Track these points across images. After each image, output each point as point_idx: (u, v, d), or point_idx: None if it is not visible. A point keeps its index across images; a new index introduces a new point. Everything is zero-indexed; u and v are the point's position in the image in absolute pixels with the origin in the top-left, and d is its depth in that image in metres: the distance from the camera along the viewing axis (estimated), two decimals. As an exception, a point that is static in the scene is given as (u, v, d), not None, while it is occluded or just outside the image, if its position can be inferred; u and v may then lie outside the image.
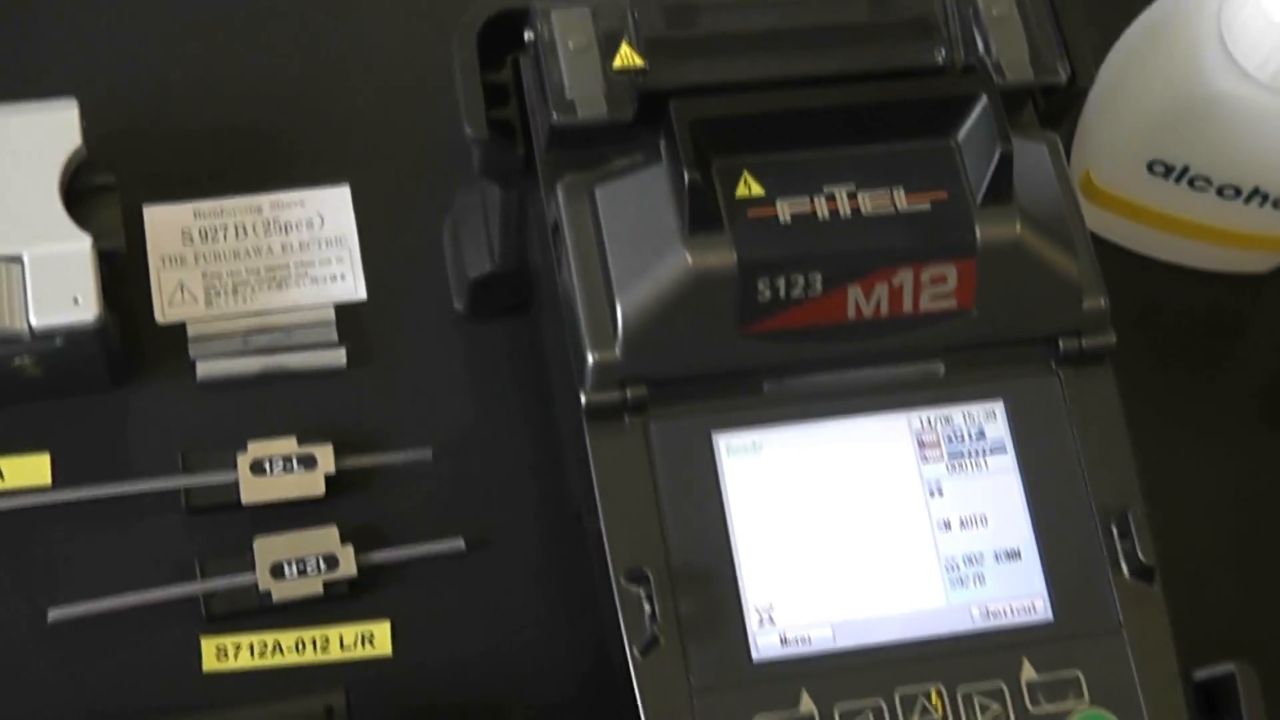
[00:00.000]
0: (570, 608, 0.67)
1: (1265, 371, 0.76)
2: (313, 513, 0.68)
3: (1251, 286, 0.77)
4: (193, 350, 0.71)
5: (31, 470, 0.68)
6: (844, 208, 0.58)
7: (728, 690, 0.57)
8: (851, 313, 0.58)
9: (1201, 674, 0.59)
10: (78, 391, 0.69)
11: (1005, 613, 0.59)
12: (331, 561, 0.67)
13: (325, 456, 0.68)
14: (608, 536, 0.58)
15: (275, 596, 0.66)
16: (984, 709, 0.57)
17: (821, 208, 0.58)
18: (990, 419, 0.61)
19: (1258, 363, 0.76)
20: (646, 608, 0.56)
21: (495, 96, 0.62)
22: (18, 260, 0.66)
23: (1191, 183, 0.71)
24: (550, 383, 0.67)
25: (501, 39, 0.62)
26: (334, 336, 0.72)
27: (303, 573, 0.67)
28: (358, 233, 0.74)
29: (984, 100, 0.58)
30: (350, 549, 0.67)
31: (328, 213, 0.74)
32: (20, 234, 0.66)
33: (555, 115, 0.59)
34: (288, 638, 0.66)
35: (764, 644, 0.57)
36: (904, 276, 0.58)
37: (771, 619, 0.58)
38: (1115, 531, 0.59)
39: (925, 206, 0.58)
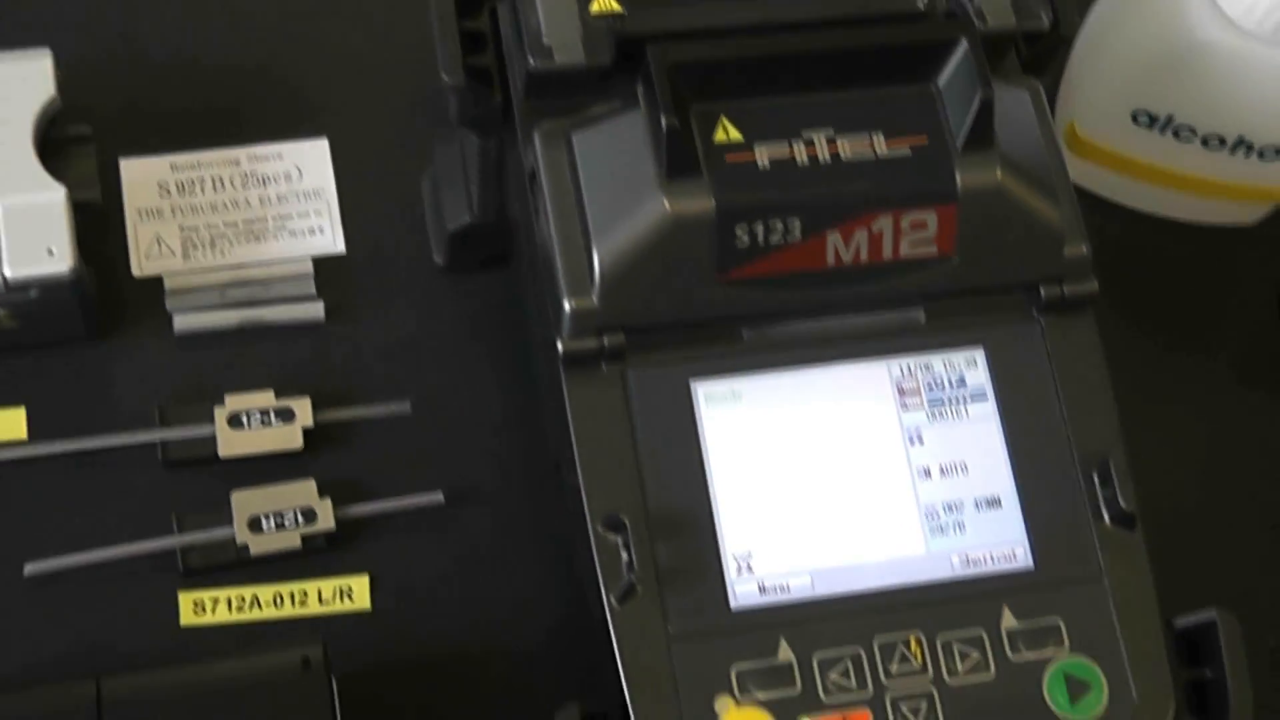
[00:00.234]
0: (550, 560, 0.67)
1: (1248, 323, 0.76)
2: (291, 466, 0.68)
3: (1237, 239, 0.77)
4: (170, 304, 0.70)
5: (7, 424, 0.68)
6: (823, 153, 0.57)
7: (705, 639, 0.56)
8: (831, 259, 0.58)
9: (1182, 621, 0.59)
10: (54, 344, 0.69)
11: (985, 560, 0.58)
12: (309, 515, 0.66)
13: (303, 410, 0.68)
14: (585, 485, 0.57)
15: (253, 550, 0.66)
16: (964, 657, 0.57)
17: (800, 153, 0.57)
18: (971, 366, 0.60)
19: (1241, 314, 0.76)
20: (624, 556, 0.56)
21: (473, 44, 0.62)
22: (-9, 211, 0.65)
23: (1176, 133, 0.71)
24: (529, 334, 0.67)
25: (479, -14, 0.62)
26: (312, 290, 0.71)
27: (280, 526, 0.66)
28: (336, 186, 0.74)
29: (965, 45, 0.58)
30: (328, 502, 0.67)
31: (306, 165, 0.74)
32: (-6, 185, 0.66)
33: (532, 61, 0.58)
34: (265, 592, 0.66)
35: (742, 592, 0.57)
36: (884, 222, 0.57)
37: (750, 567, 0.57)
38: (1096, 479, 0.59)
39: (905, 152, 0.58)
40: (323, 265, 0.72)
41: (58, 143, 0.68)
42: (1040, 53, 0.64)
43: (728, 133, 0.57)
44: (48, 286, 0.65)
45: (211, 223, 0.72)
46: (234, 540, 0.66)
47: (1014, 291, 0.60)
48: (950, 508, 0.59)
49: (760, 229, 0.57)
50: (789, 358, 0.59)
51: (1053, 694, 0.57)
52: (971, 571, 0.58)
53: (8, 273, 0.64)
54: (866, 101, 0.58)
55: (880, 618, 0.57)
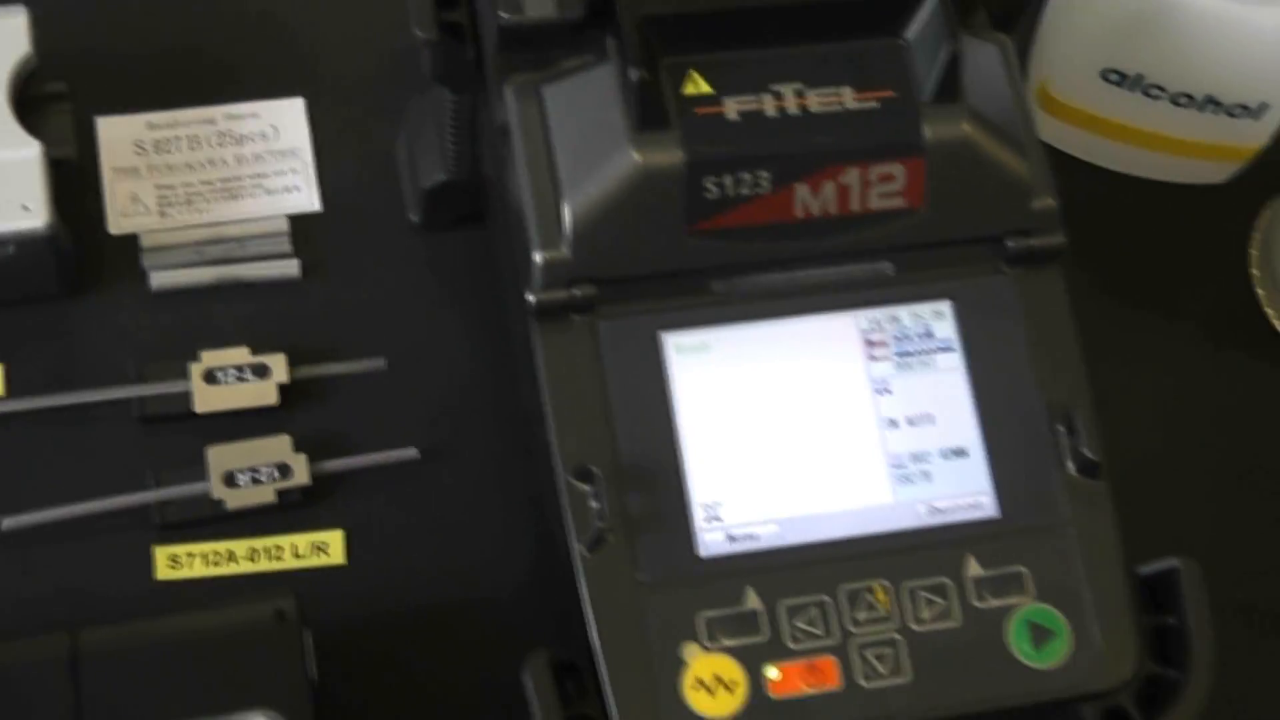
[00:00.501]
0: (522, 514, 0.67)
1: (1217, 279, 0.76)
2: (266, 422, 0.68)
3: (1207, 197, 0.77)
4: (146, 261, 0.71)
5: (-15, 380, 0.68)
6: (792, 106, 0.58)
7: (674, 587, 0.57)
8: (799, 211, 0.58)
9: (1146, 569, 0.60)
10: (30, 300, 0.69)
11: (951, 509, 0.59)
12: (285, 470, 0.67)
13: (278, 366, 0.68)
14: (555, 435, 0.58)
15: (229, 505, 0.66)
16: (929, 604, 0.58)
17: (769, 106, 0.57)
18: (938, 318, 0.61)
19: (1210, 271, 0.76)
20: (594, 505, 0.56)
21: (445, -1, 0.62)
22: (-34, 167, 0.65)
23: (1146, 91, 0.71)
24: (503, 290, 0.67)
25: (451, -60, 0.62)
26: (288, 247, 0.72)
27: (256, 481, 0.67)
28: (312, 144, 0.74)
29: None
30: (304, 458, 0.67)
31: (282, 124, 0.74)
32: (-32, 141, 0.66)
33: (504, 15, 0.59)
34: (241, 547, 0.66)
35: (710, 541, 0.58)
36: (852, 175, 0.58)
37: (718, 516, 0.58)
38: (1062, 429, 0.59)
39: (873, 105, 0.58)
40: (299, 223, 0.72)
41: (33, 100, 0.68)
42: (1009, 8, 0.64)
43: (697, 86, 0.58)
44: (23, 242, 0.66)
45: (188, 181, 0.72)
46: (209, 495, 0.66)
47: (982, 244, 0.61)
48: (916, 458, 0.59)
49: (729, 181, 0.57)
50: (758, 309, 0.60)
51: (1017, 641, 0.58)
52: (937, 520, 0.59)
53: (-17, 228, 0.65)
54: (835, 55, 0.59)
55: (846, 566, 0.58)
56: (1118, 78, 0.71)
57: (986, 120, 0.59)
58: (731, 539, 0.58)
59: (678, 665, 0.56)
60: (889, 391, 0.60)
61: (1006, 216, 0.60)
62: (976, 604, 0.58)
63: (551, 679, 0.56)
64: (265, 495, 0.66)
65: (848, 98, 0.58)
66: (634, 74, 0.56)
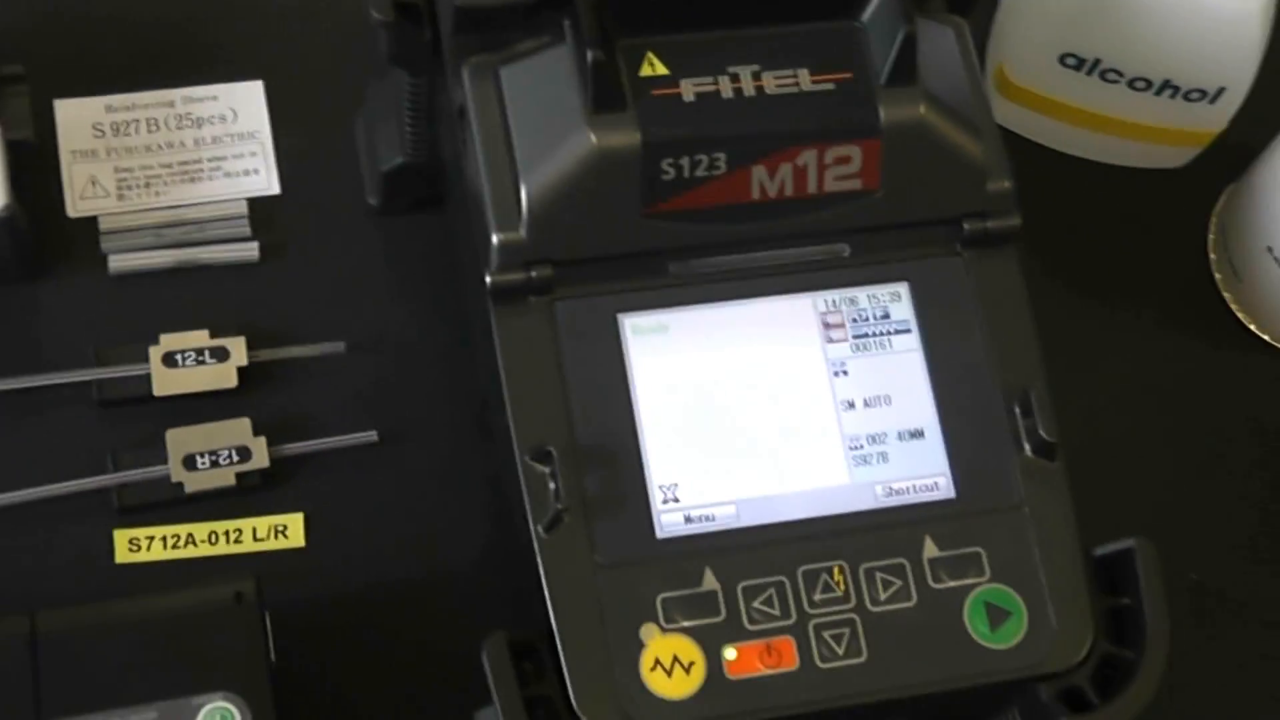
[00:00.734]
0: (481, 497, 0.67)
1: (1175, 264, 0.76)
2: (225, 405, 0.68)
3: (1164, 182, 0.78)
4: (105, 244, 0.71)
5: (-58, 363, 0.68)
6: (748, 87, 0.58)
7: (631, 568, 0.57)
8: (756, 193, 0.58)
9: (1102, 550, 0.60)
10: (-12, 283, 0.69)
11: (908, 490, 0.59)
12: (244, 453, 0.67)
13: (238, 349, 0.68)
14: (513, 416, 0.58)
15: (188, 488, 0.66)
16: (886, 585, 0.58)
17: (726, 87, 0.58)
18: (895, 300, 0.61)
19: (1167, 256, 0.77)
20: (551, 486, 0.56)
21: (402, -20, 0.62)
22: (-78, 149, 0.65)
23: (1103, 75, 0.72)
24: (461, 272, 0.67)
25: (407, -78, 0.62)
26: (247, 230, 0.72)
27: (215, 464, 0.67)
28: (271, 127, 0.74)
29: (889, -18, 0.58)
30: (263, 441, 0.67)
31: (241, 107, 0.74)
32: (-75, 123, 0.66)
33: (460, -3, 0.59)
34: (200, 530, 0.66)
35: (668, 522, 0.58)
36: (808, 156, 0.58)
37: (676, 497, 0.58)
38: (1018, 410, 0.60)
39: (829, 87, 0.58)
40: (257, 206, 0.72)
41: (-10, 82, 0.68)
42: (965, -9, 0.64)
43: (654, 67, 0.58)
44: (-20, 225, 0.65)
45: (146, 164, 0.72)
46: (169, 478, 0.66)
47: (938, 226, 0.61)
48: (874, 439, 0.59)
49: (686, 162, 0.57)
50: (715, 291, 0.60)
51: (973, 621, 0.58)
52: (894, 501, 0.59)
53: (-60, 210, 0.65)
54: (792, 38, 0.59)
55: (804, 547, 0.58)
56: (1075, 62, 0.71)
57: (942, 102, 0.59)
58: (689, 520, 0.58)
59: (636, 646, 0.56)
60: (846, 373, 0.60)
61: (962, 198, 0.60)
62: (933, 584, 0.58)
63: (510, 661, 0.56)
64: (225, 478, 0.66)
65: (804, 80, 0.58)
66: (590, 55, 0.56)
